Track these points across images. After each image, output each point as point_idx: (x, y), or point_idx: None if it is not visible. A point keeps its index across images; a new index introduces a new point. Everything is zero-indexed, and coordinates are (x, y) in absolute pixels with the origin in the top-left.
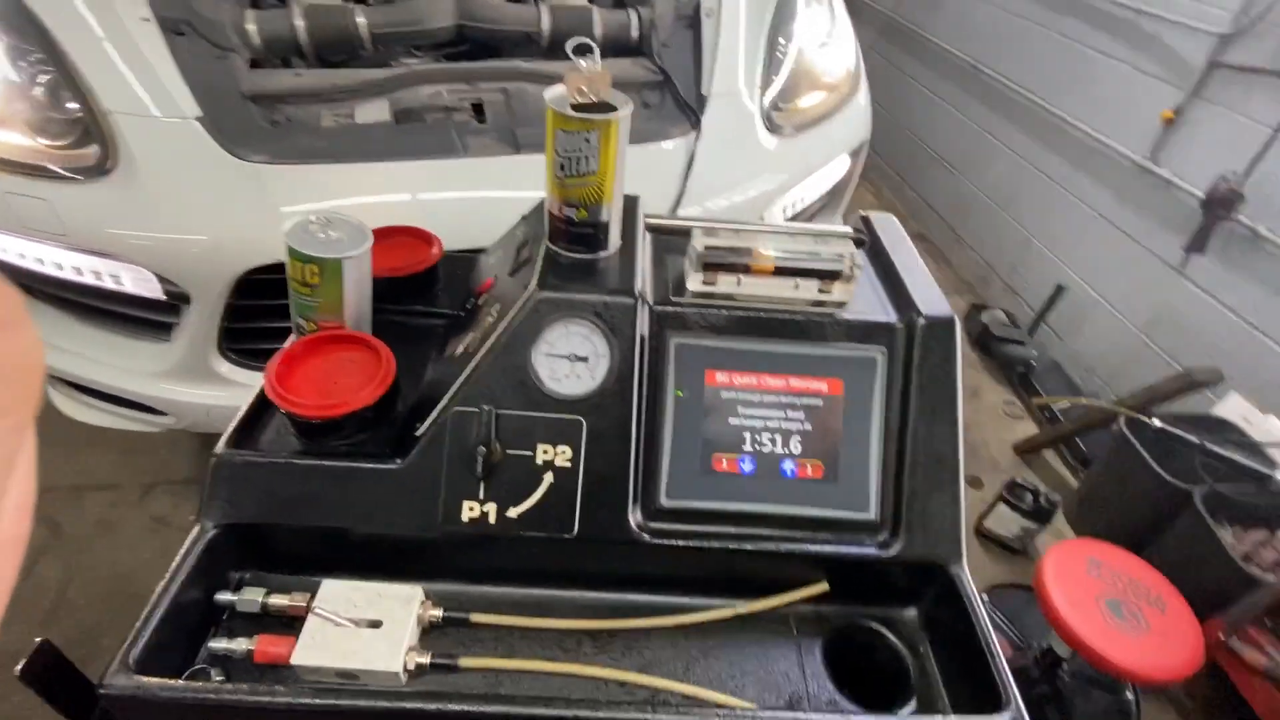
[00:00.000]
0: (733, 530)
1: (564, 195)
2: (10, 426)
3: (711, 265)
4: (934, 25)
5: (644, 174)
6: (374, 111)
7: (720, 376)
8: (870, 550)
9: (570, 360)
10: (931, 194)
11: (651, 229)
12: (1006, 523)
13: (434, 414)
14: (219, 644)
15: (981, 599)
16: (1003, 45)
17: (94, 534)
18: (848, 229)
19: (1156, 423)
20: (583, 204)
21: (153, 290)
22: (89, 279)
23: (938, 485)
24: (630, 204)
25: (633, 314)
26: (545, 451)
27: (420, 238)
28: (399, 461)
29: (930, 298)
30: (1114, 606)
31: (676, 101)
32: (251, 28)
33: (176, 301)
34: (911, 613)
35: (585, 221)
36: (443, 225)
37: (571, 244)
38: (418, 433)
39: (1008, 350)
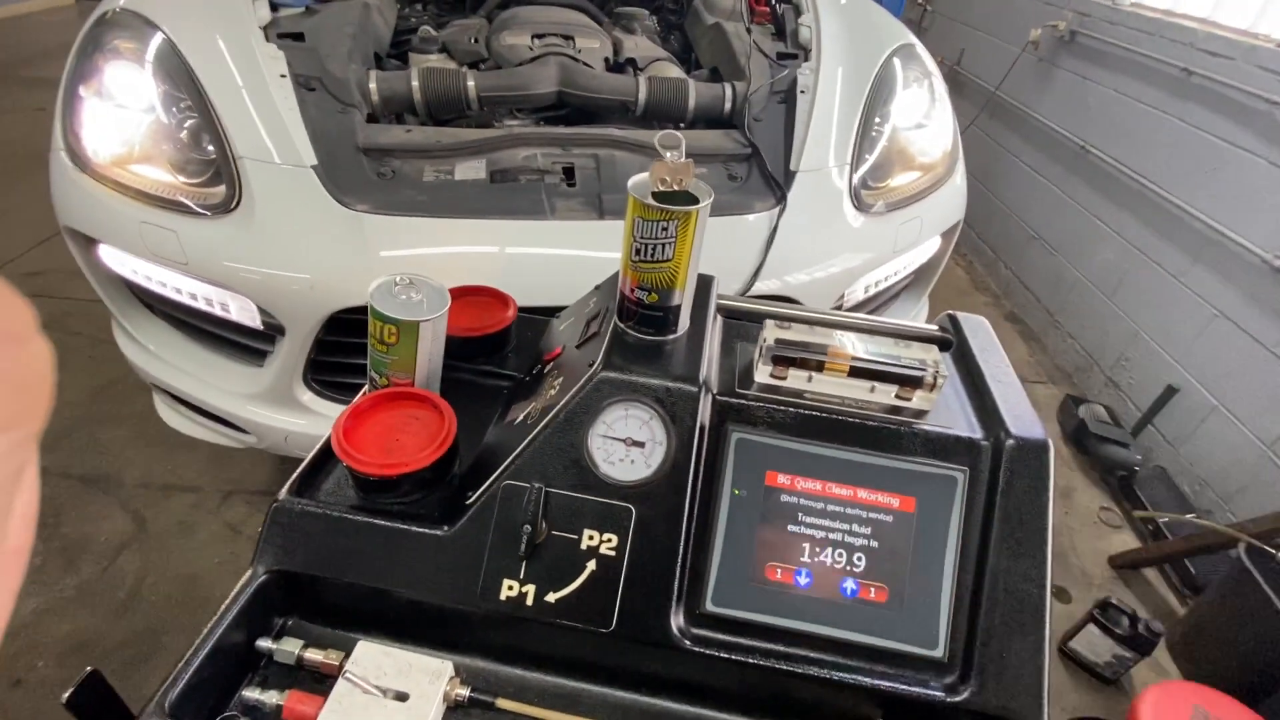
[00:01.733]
0: (781, 649)
1: (637, 279)
2: (18, 439)
3: (782, 359)
4: (1041, 104)
5: (725, 246)
6: (472, 170)
7: (782, 479)
8: (935, 692)
9: (627, 444)
10: (1028, 274)
11: (724, 312)
12: (1096, 647)
13: (485, 485)
14: (252, 693)
15: None
16: (1116, 128)
17: (174, 533)
18: (933, 329)
19: None
20: (655, 289)
21: (253, 319)
22: (201, 304)
23: (1019, 629)
24: (704, 284)
25: (695, 403)
26: (591, 538)
27: (497, 299)
28: (446, 529)
29: (1022, 415)
30: None
31: (763, 175)
32: (372, 86)
33: (272, 332)
34: None
35: (656, 305)
36: (525, 282)
37: (640, 325)
38: (468, 501)
39: (1107, 451)
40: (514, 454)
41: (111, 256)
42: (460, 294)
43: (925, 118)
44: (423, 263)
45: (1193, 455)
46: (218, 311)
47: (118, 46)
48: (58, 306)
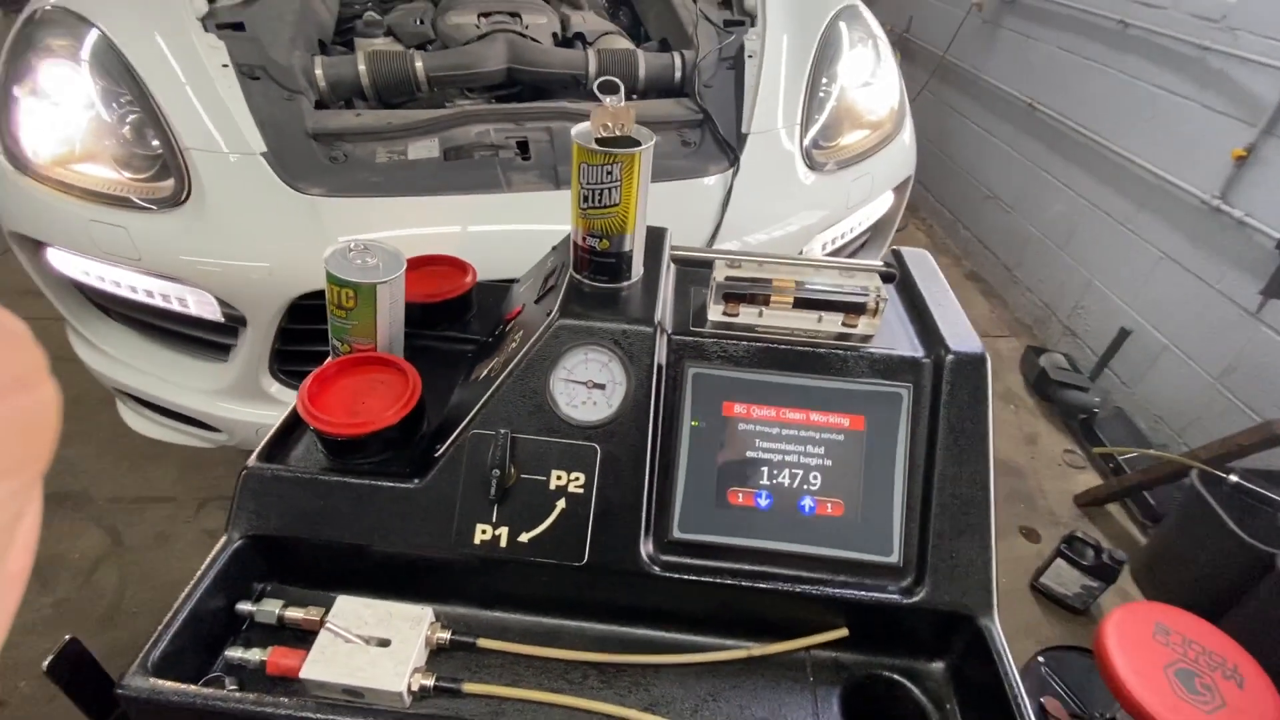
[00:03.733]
0: (747, 567)
1: (587, 226)
2: (21, 484)
3: (732, 296)
4: (988, 65)
5: (683, 209)
6: (425, 149)
7: (738, 408)
8: (892, 596)
9: (588, 387)
10: (986, 233)
11: (677, 260)
12: (1065, 580)
13: (453, 436)
14: (235, 653)
15: (1037, 660)
16: (1060, 84)
17: (151, 545)
18: (876, 263)
19: (1234, 478)
20: (605, 234)
21: (214, 312)
22: (158, 301)
23: (966, 530)
24: (657, 236)
25: (651, 342)
26: (559, 478)
27: (456, 266)
28: (417, 481)
29: (960, 333)
30: (1184, 677)
31: (716, 140)
32: (319, 72)
33: (234, 324)
34: (938, 666)
35: (608, 251)
36: (484, 256)
37: (595, 273)
38: (436, 454)
39: (1068, 396)
40: (479, 404)
41: (60, 260)
42: (420, 263)
43: (871, 76)
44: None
45: (1147, 393)
46: (176, 307)
47: (50, 45)
48: None
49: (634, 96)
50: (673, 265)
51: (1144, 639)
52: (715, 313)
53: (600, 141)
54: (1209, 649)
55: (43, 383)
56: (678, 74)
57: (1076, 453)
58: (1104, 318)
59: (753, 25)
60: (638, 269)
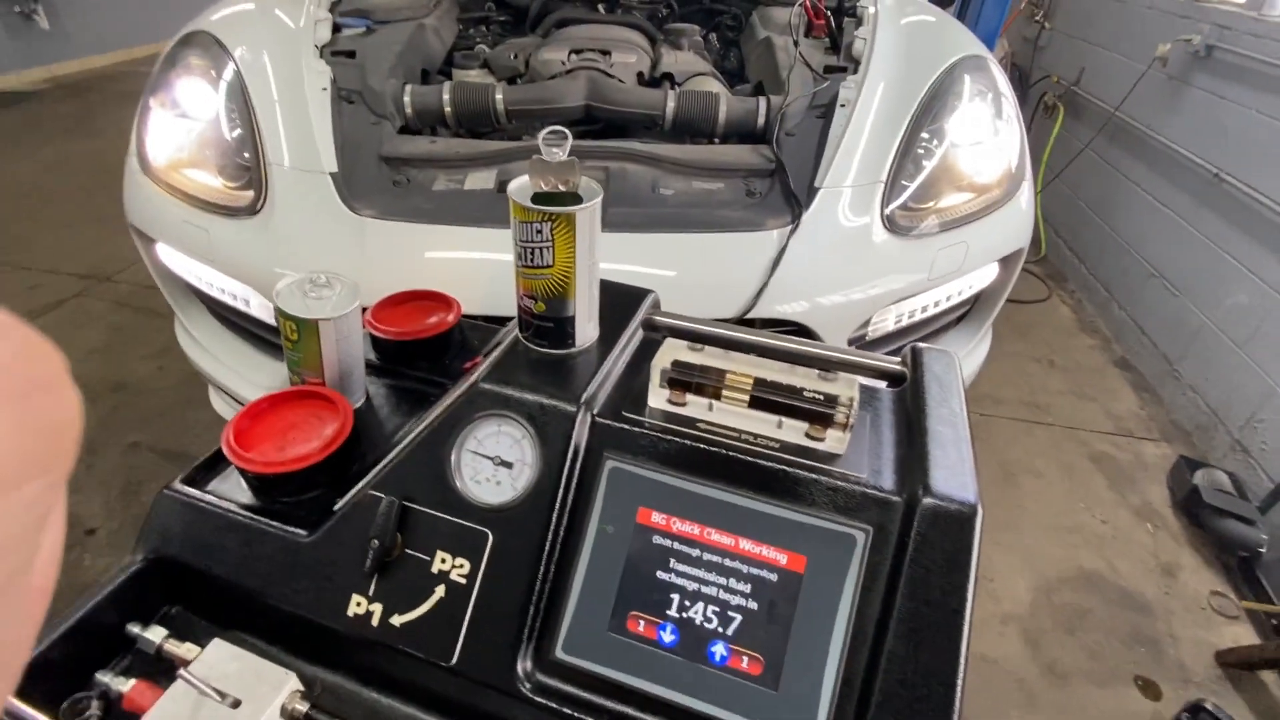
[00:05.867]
0: (633, 713)
1: (526, 286)
2: (47, 485)
3: (678, 383)
4: (1168, 126)
5: (728, 264)
6: (482, 180)
7: (656, 517)
8: None
9: (495, 464)
10: (1145, 317)
11: (659, 328)
12: None
13: (351, 493)
14: (105, 676)
15: None
16: (1257, 153)
17: None
18: (889, 362)
19: None
20: (541, 297)
21: (269, 315)
22: (228, 299)
23: None
24: (632, 299)
25: (569, 423)
26: (444, 560)
27: (440, 302)
28: (307, 534)
29: (953, 473)
30: None
31: (784, 192)
32: (406, 99)
33: None
34: None
35: (546, 315)
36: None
37: (535, 337)
38: (335, 507)
39: (1227, 526)
40: (383, 462)
41: (165, 254)
42: (407, 298)
43: (986, 135)
44: (417, 268)
45: None
46: (241, 306)
47: (190, 63)
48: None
49: (716, 141)
50: (640, 335)
51: None
52: (658, 399)
53: (539, 197)
54: None
55: (65, 387)
56: (761, 119)
57: (1228, 598)
58: None
59: (854, 73)
60: (587, 336)
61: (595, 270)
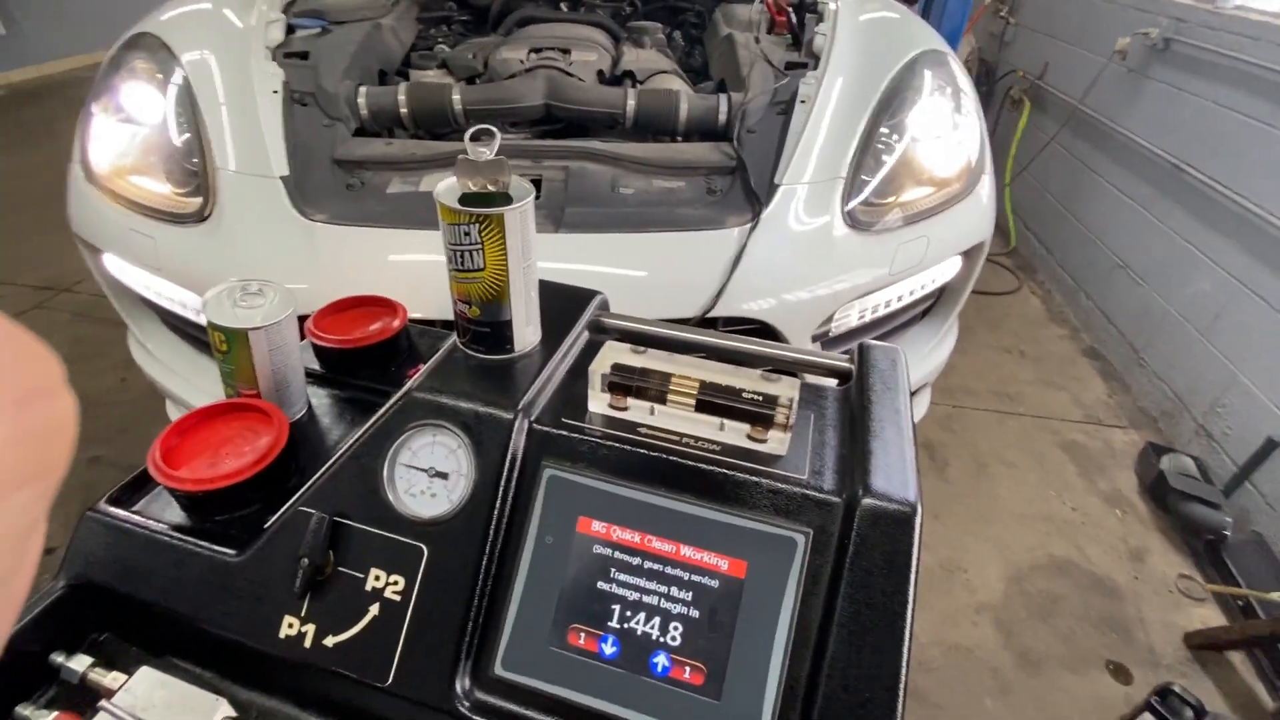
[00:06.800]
0: None
1: (458, 290)
2: (38, 493)
3: (619, 387)
4: (1129, 118)
5: (689, 264)
6: (438, 182)
7: (596, 526)
8: None
9: (429, 475)
10: (1112, 306)
11: (608, 330)
12: None
13: (281, 510)
14: (25, 710)
15: None
16: (1215, 144)
17: None
18: (836, 359)
19: None
20: (474, 302)
21: None
22: (177, 308)
23: None
24: (580, 300)
25: (506, 431)
26: (378, 578)
27: (386, 307)
28: (236, 554)
29: (892, 472)
30: None
31: (745, 189)
32: (361, 100)
33: None
34: None
35: (481, 320)
36: None
37: (472, 343)
38: (265, 525)
39: (1193, 510)
40: (315, 477)
41: (113, 264)
42: (350, 304)
43: (946, 129)
44: (370, 272)
45: None
46: (192, 316)
47: (135, 66)
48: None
49: (679, 139)
50: (585, 337)
51: None
52: (598, 404)
53: (467, 199)
54: None
55: (61, 393)
56: (722, 117)
57: (1195, 580)
58: (1249, 421)
59: (814, 69)
60: (527, 340)
61: (532, 272)
